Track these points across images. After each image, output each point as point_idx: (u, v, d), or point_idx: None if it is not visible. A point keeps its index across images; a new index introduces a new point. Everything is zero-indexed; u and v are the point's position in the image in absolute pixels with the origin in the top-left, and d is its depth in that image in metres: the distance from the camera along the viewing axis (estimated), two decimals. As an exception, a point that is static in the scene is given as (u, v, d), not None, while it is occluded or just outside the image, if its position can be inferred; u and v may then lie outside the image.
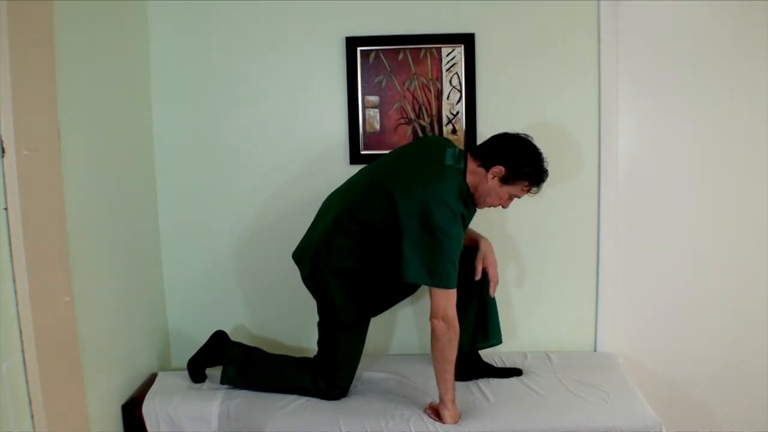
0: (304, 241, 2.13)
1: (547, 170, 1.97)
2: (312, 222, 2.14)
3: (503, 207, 2.04)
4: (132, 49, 2.30)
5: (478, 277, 2.09)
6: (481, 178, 1.95)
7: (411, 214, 1.86)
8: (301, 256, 2.12)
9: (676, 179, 2.47)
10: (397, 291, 2.11)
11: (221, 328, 2.34)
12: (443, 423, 1.92)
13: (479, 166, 1.95)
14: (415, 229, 1.85)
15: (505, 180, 1.94)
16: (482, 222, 2.39)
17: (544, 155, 1.97)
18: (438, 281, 1.86)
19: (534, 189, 1.98)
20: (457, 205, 1.89)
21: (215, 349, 2.20)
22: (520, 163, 1.93)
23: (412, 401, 2.04)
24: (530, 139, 1.98)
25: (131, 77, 2.29)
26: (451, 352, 1.90)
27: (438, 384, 1.94)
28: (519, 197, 2.01)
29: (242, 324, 2.55)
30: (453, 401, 1.93)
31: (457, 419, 1.93)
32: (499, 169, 1.93)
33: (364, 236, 1.98)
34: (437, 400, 1.99)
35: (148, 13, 2.38)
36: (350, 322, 2.08)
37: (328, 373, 2.08)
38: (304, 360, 2.19)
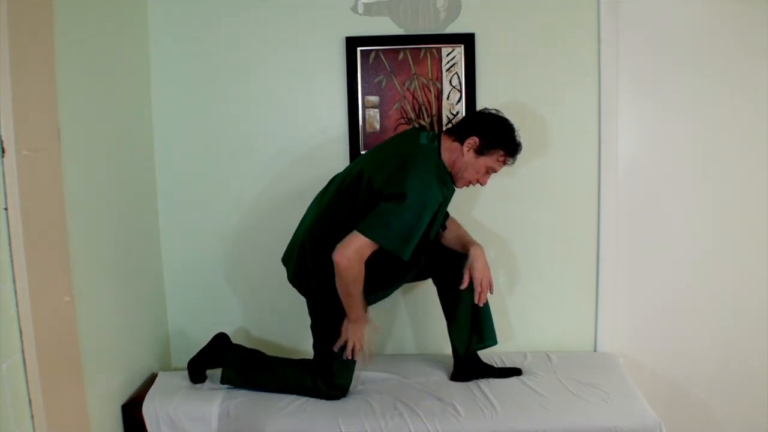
0: (291, 242, 2.15)
1: (520, 142, 2.01)
2: (299, 224, 2.16)
3: (481, 183, 2.05)
4: (132, 49, 2.30)
5: (464, 285, 2.07)
6: (457, 153, 1.98)
7: (384, 185, 1.87)
8: (288, 255, 2.13)
9: (676, 179, 2.47)
10: (384, 282, 2.07)
11: (222, 329, 2.34)
12: (356, 335, 2.00)
13: (454, 141, 1.99)
14: (385, 198, 1.86)
15: (480, 151, 1.97)
16: (483, 221, 2.39)
17: (516, 128, 2.02)
18: (378, 235, 1.83)
19: (509, 160, 2.02)
20: (430, 178, 1.89)
21: (216, 351, 2.20)
22: (493, 131, 1.97)
23: (412, 401, 2.04)
24: (502, 114, 2.03)
25: (131, 77, 2.29)
26: (354, 289, 1.91)
27: (345, 309, 1.98)
28: (496, 170, 2.03)
29: (242, 324, 2.55)
30: (360, 317, 1.99)
31: (361, 330, 2.02)
32: (473, 140, 1.96)
33: (349, 226, 1.96)
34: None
35: (148, 13, 2.38)
36: (341, 315, 2.07)
37: (326, 374, 2.08)
38: (304, 361, 2.19)
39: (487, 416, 1.95)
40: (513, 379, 2.19)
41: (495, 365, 2.27)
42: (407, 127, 2.39)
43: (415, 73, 2.38)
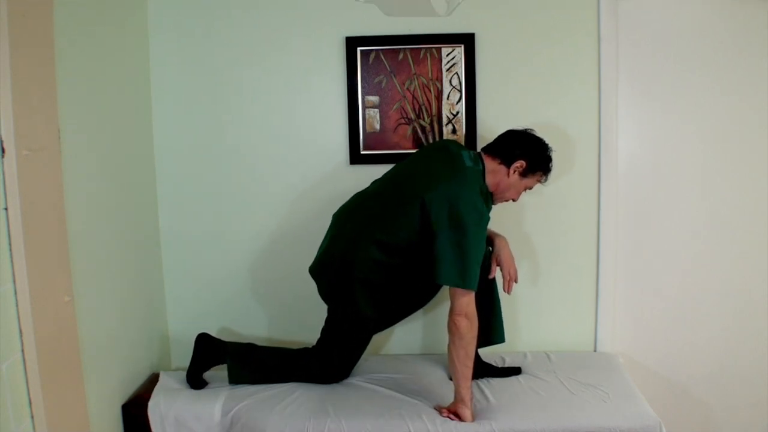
0: (326, 255, 2.10)
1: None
2: (330, 235, 2.12)
3: (514, 200, 2.11)
4: (132, 49, 2.30)
5: (491, 275, 2.10)
6: (502, 175, 2.03)
7: (440, 211, 1.88)
8: (321, 270, 2.11)
9: (676, 179, 2.47)
10: (421, 300, 2.14)
11: (221, 327, 2.33)
12: (464, 422, 1.90)
13: (500, 164, 2.02)
14: (445, 229, 1.87)
15: (524, 173, 2.03)
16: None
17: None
18: (467, 283, 1.88)
19: (544, 178, 2.09)
20: (482, 205, 1.94)
21: (205, 353, 2.18)
22: (539, 155, 2.03)
23: (412, 401, 2.04)
24: (535, 132, 2.07)
25: (131, 77, 2.29)
26: (473, 349, 1.93)
27: (459, 382, 1.93)
28: (531, 188, 2.10)
29: (242, 322, 2.54)
30: (471, 399, 1.95)
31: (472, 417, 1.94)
32: (520, 164, 2.01)
33: (397, 249, 1.98)
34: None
35: (148, 13, 2.38)
36: (367, 331, 2.12)
37: (324, 373, 2.13)
38: (304, 350, 2.21)
39: (486, 416, 1.95)
40: (513, 379, 2.20)
41: (495, 365, 2.27)
42: (407, 128, 2.40)
43: (415, 73, 2.38)
